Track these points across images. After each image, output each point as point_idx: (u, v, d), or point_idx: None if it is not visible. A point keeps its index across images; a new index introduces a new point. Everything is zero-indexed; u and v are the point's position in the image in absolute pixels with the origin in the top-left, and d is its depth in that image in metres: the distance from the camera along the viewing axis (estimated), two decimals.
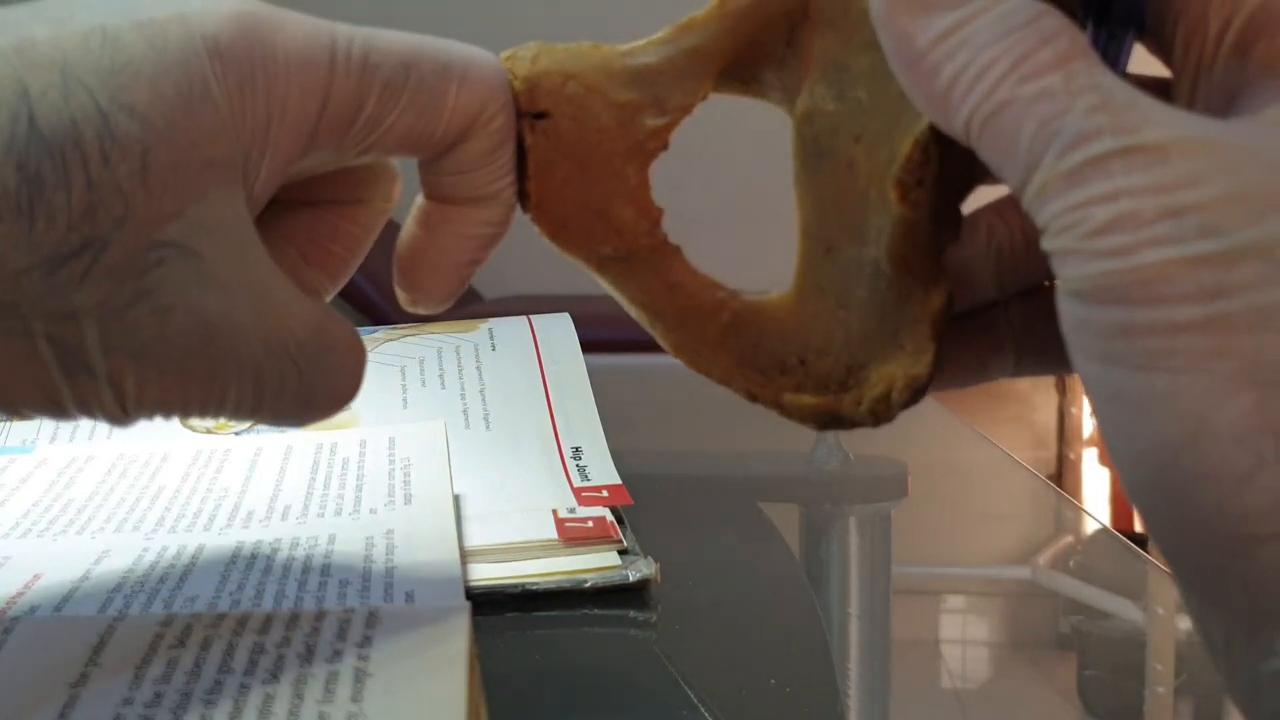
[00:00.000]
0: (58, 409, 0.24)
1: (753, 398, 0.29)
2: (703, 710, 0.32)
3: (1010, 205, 0.28)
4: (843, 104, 0.28)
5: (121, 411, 0.25)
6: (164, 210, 0.23)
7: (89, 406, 0.24)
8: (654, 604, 0.39)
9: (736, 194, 2.00)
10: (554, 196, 0.29)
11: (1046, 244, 0.21)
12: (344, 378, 0.28)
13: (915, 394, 0.28)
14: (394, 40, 0.27)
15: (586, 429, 0.52)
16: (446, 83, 0.27)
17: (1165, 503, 0.20)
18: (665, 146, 0.29)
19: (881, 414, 0.28)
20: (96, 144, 0.22)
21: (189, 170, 0.23)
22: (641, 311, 0.30)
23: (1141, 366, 0.19)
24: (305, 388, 0.26)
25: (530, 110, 0.28)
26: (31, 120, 0.22)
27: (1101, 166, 0.20)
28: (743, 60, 0.30)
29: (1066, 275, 0.20)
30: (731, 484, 0.60)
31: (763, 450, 0.71)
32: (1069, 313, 0.21)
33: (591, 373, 0.56)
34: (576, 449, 0.50)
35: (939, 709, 0.45)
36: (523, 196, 0.29)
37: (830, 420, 0.29)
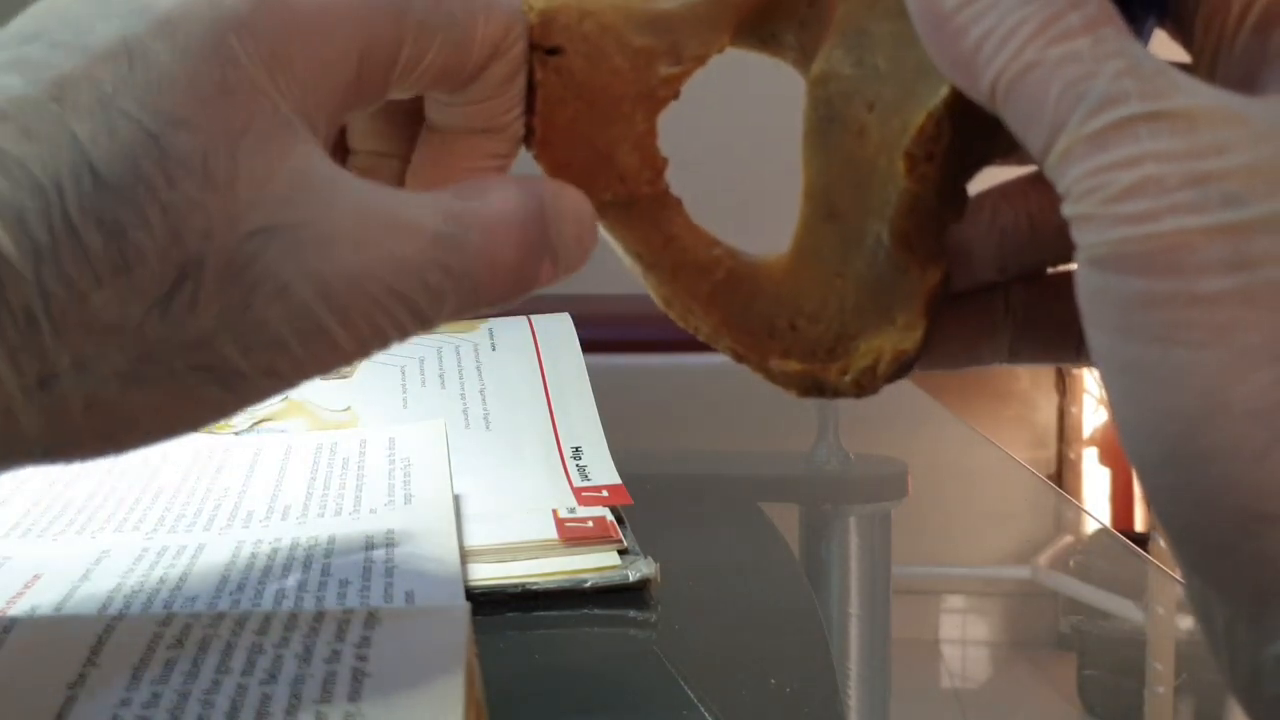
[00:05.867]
0: (229, 415, 0.25)
1: (738, 357, 0.29)
2: (703, 710, 0.32)
3: (1017, 189, 0.28)
4: (860, 70, 0.28)
5: (288, 386, 0.25)
6: (242, 202, 0.23)
7: (257, 400, 0.25)
8: (654, 604, 0.39)
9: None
10: (559, 135, 0.29)
11: (1067, 209, 0.21)
12: (500, 251, 0.26)
13: (901, 368, 0.27)
14: None
15: (586, 429, 0.52)
16: (474, 15, 0.27)
17: (1176, 479, 0.20)
18: (676, 95, 0.29)
19: (866, 385, 0.28)
20: (158, 169, 0.22)
21: (250, 153, 0.23)
22: (636, 261, 0.30)
23: (1159, 338, 0.19)
24: (464, 279, 0.25)
25: (543, 44, 0.28)
26: (93, 170, 0.22)
27: (1127, 130, 0.20)
28: (764, 16, 0.30)
29: (1086, 241, 0.20)
30: (731, 484, 0.60)
31: (763, 450, 0.71)
32: (1086, 281, 0.21)
33: (591, 373, 0.56)
34: (576, 449, 0.50)
35: (939, 709, 0.45)
36: (528, 132, 0.29)
37: (813, 387, 0.29)
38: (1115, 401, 0.21)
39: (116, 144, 0.22)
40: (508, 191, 0.27)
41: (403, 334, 0.25)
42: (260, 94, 0.24)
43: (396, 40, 0.26)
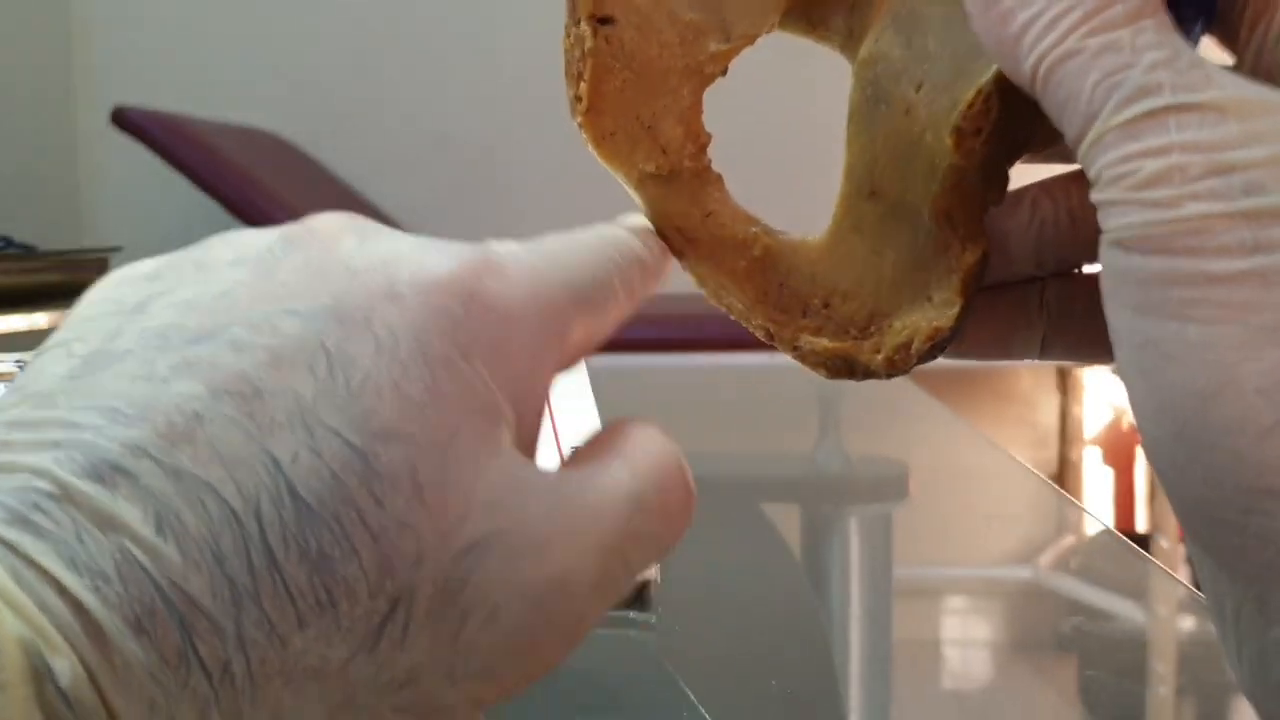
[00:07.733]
0: None
1: (769, 336, 0.29)
2: (703, 711, 0.32)
3: (1058, 184, 0.28)
4: (909, 51, 0.28)
5: (489, 707, 0.22)
6: (453, 517, 0.20)
7: None
8: (654, 605, 0.39)
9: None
10: (607, 103, 0.29)
11: (1095, 194, 0.21)
12: (674, 497, 0.25)
13: (936, 347, 0.28)
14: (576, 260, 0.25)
15: (586, 429, 0.52)
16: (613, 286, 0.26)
17: (1186, 455, 0.20)
18: (724, 72, 0.29)
19: (900, 363, 0.28)
20: (365, 490, 0.19)
21: (460, 460, 0.21)
22: (674, 237, 0.30)
23: (1176, 315, 0.20)
24: (650, 542, 0.24)
25: (597, 14, 0.28)
26: (293, 494, 0.19)
27: (1157, 121, 0.20)
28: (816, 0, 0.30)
29: (1111, 225, 0.21)
30: (733, 485, 0.60)
31: (764, 451, 0.71)
32: (1110, 262, 0.21)
33: (591, 373, 0.56)
34: (577, 449, 0.50)
35: (939, 710, 0.45)
36: (575, 99, 0.29)
37: (843, 367, 0.29)
38: (1130, 380, 0.21)
39: (320, 463, 0.19)
40: (642, 426, 0.25)
41: (597, 622, 0.23)
42: (472, 393, 0.21)
43: (583, 330, 0.25)
